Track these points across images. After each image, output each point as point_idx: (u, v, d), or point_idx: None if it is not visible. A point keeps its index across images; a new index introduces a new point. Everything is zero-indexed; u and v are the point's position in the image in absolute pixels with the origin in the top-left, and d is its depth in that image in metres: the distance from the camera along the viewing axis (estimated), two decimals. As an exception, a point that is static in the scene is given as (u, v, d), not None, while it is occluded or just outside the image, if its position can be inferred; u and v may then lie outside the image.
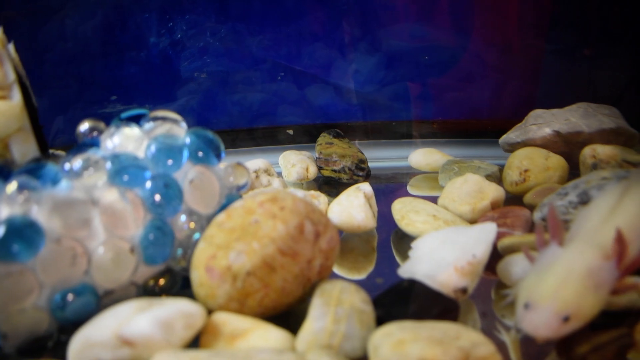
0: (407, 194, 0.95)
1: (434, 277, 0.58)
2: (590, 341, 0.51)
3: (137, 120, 0.65)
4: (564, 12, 1.09)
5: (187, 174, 0.62)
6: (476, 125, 1.13)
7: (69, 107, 1.01)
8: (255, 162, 0.87)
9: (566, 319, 0.48)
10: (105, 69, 1.04)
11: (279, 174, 0.98)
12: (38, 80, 1.01)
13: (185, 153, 0.61)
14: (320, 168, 0.96)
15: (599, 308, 0.51)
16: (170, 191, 0.59)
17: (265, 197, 0.57)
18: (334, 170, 0.95)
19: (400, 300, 0.56)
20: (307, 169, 0.95)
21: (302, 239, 0.56)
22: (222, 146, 0.65)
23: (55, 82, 1.02)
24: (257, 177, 0.84)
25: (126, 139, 0.61)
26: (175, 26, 1.05)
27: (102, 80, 1.04)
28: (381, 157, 1.12)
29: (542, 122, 0.91)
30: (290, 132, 1.12)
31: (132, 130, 0.62)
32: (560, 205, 0.70)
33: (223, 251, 0.54)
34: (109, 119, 0.65)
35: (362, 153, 0.99)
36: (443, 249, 0.62)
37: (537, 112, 0.95)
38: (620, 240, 0.52)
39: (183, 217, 0.60)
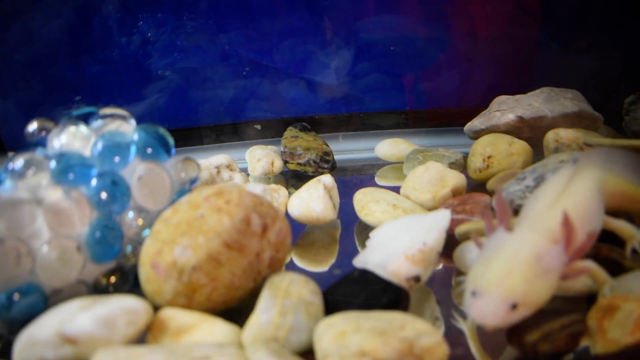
0: (375, 185, 0.95)
1: (385, 266, 0.58)
2: (541, 328, 0.50)
3: (87, 118, 0.65)
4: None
5: (135, 170, 0.61)
6: (444, 114, 1.13)
7: (34, 108, 1.00)
8: (217, 157, 0.86)
9: (514, 307, 0.47)
10: (70, 70, 1.03)
11: (245, 169, 0.97)
12: (2, 82, 1.01)
13: (133, 149, 0.61)
14: (286, 162, 0.96)
15: (549, 294, 0.50)
16: (118, 188, 0.59)
17: (210, 191, 0.57)
18: (299, 164, 0.95)
19: (351, 290, 0.56)
20: (272, 163, 0.94)
21: (249, 232, 0.55)
22: (172, 142, 0.64)
23: (19, 84, 1.02)
24: (218, 172, 0.84)
25: (73, 138, 0.61)
26: (140, 25, 1.05)
27: (67, 81, 1.03)
28: (349, 149, 1.11)
29: (506, 108, 0.91)
30: (258, 127, 1.12)
31: (79, 129, 0.61)
32: (518, 190, 0.69)
33: (169, 246, 0.54)
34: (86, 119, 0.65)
35: (327, 145, 0.98)
36: (397, 238, 0.62)
37: (501, 99, 0.94)
38: (566, 223, 0.51)
39: (131, 214, 0.60)
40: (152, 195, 0.62)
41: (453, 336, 0.56)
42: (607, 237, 0.62)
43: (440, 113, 1.13)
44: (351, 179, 0.99)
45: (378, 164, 1.04)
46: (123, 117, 0.63)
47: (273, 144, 1.03)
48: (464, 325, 0.56)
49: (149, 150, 0.62)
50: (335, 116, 1.13)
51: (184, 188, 0.65)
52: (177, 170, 0.64)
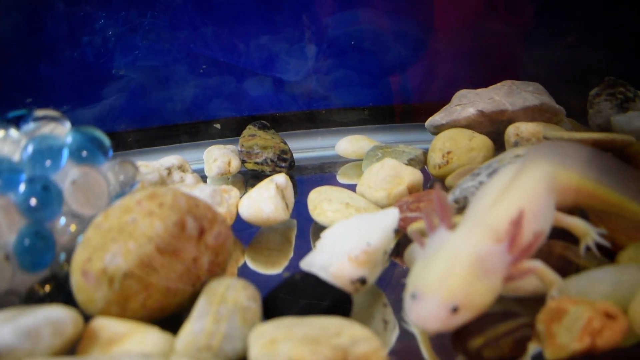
0: (337, 183, 0.93)
1: (328, 268, 0.55)
2: (485, 334, 0.48)
3: (20, 121, 0.62)
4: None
5: (69, 174, 0.59)
6: (407, 110, 1.11)
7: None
8: (168, 158, 0.84)
9: (455, 310, 0.45)
10: (22, 71, 1.01)
11: (203, 170, 0.95)
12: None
13: (65, 153, 0.58)
14: (243, 161, 0.94)
15: (492, 296, 0.48)
16: (49, 194, 0.56)
17: (143, 194, 0.54)
18: (257, 163, 0.93)
19: (292, 295, 0.54)
20: (229, 162, 0.92)
21: (184, 236, 0.53)
22: (108, 144, 0.62)
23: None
24: (169, 174, 0.82)
25: (3, 142, 0.58)
26: (95, 24, 1.02)
27: (18, 83, 1.01)
28: (310, 147, 1.10)
29: (467, 102, 0.89)
30: (218, 126, 1.10)
31: (9, 133, 0.59)
32: (471, 186, 0.68)
33: (99, 253, 0.51)
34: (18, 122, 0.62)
35: (285, 144, 0.96)
36: (343, 238, 0.60)
37: (461, 93, 0.92)
38: (515, 222, 0.49)
39: (63, 220, 0.57)
40: (88, 200, 0.59)
41: (404, 340, 0.54)
42: (562, 235, 0.60)
43: (403, 108, 1.12)
44: (312, 177, 0.98)
45: (340, 162, 1.02)
46: (56, 119, 0.61)
47: (233, 143, 1.01)
48: (415, 329, 0.54)
49: (84, 153, 0.60)
50: (296, 113, 1.11)
51: (123, 191, 0.63)
52: (115, 173, 0.62)
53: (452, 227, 0.52)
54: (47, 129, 0.61)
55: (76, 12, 1.02)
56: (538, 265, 0.52)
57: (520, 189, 0.55)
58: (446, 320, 0.46)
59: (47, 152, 0.57)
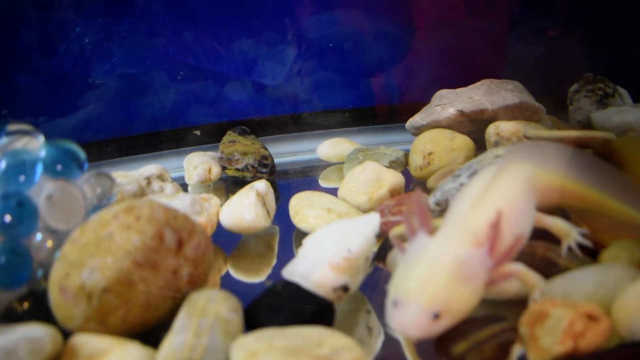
0: (319, 188, 0.93)
1: (309, 276, 0.55)
2: (469, 339, 0.48)
3: (-6, 135, 0.61)
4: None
5: (43, 189, 0.58)
6: (388, 111, 1.11)
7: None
8: (147, 167, 0.83)
9: (436, 316, 0.45)
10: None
11: (182, 178, 0.95)
12: None
13: (39, 167, 0.57)
14: (224, 168, 0.93)
15: (473, 302, 0.48)
16: (24, 210, 0.55)
17: (119, 208, 0.54)
18: (237, 169, 0.92)
19: (273, 305, 0.53)
20: (209, 170, 0.91)
21: (162, 249, 0.52)
22: (83, 157, 0.61)
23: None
24: (148, 183, 0.81)
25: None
26: (71, 32, 1.01)
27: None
28: (291, 151, 1.09)
29: (447, 102, 0.89)
30: (197, 132, 1.09)
31: (-20, 148, 0.58)
32: (452, 188, 0.67)
33: (76, 269, 0.51)
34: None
35: (266, 149, 0.96)
36: (324, 245, 0.59)
37: (441, 93, 0.92)
38: (493, 225, 0.49)
39: (39, 236, 0.56)
40: (64, 214, 0.59)
41: (388, 346, 0.54)
42: (544, 236, 0.60)
43: (384, 109, 1.12)
44: (294, 182, 0.97)
45: (322, 165, 1.01)
46: (29, 133, 0.60)
47: (214, 149, 1.00)
48: (399, 335, 0.54)
49: (59, 167, 0.59)
50: (276, 117, 1.11)
51: (101, 204, 0.62)
52: (91, 186, 0.61)
53: (432, 231, 0.52)
54: (20, 143, 0.60)
55: (51, 20, 1.00)
56: (519, 268, 0.52)
57: (499, 191, 0.55)
58: (428, 326, 0.46)
59: (20, 167, 0.57)
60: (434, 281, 0.46)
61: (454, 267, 0.47)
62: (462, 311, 0.47)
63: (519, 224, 0.54)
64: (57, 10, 1.00)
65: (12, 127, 0.60)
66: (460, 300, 0.46)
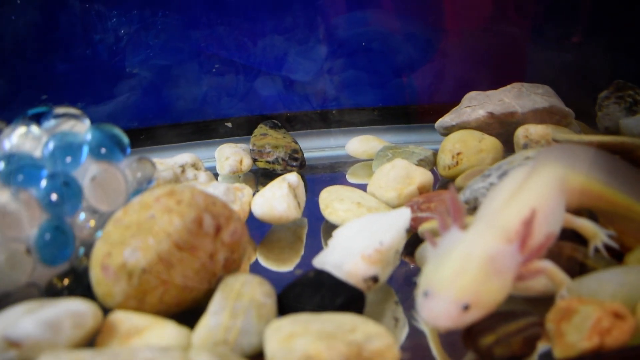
0: (346, 183, 0.94)
1: (341, 266, 0.57)
2: (496, 332, 0.49)
3: (41, 118, 0.63)
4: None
5: (88, 171, 0.60)
6: (417, 110, 1.12)
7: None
8: (181, 156, 0.85)
9: (466, 308, 0.46)
10: (38, 68, 1.02)
11: (215, 168, 0.96)
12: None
13: (85, 150, 0.60)
14: (255, 160, 0.95)
15: (502, 295, 0.49)
16: (70, 189, 0.58)
17: (162, 191, 0.55)
18: (268, 162, 0.94)
19: (306, 292, 0.55)
20: (240, 161, 0.93)
21: (201, 233, 0.54)
22: (127, 141, 0.63)
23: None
24: (182, 171, 0.83)
25: (24, 139, 0.60)
26: (109, 22, 1.03)
27: (34, 80, 1.02)
28: (320, 146, 1.10)
29: (476, 104, 0.90)
30: (229, 124, 1.11)
31: (30, 129, 0.60)
32: (482, 187, 0.69)
33: (118, 248, 0.53)
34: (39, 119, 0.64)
35: (297, 143, 0.97)
36: (355, 237, 0.61)
37: (471, 94, 0.93)
38: (526, 223, 0.50)
39: (82, 216, 0.58)
40: (106, 196, 0.61)
41: (414, 337, 0.55)
42: (572, 236, 0.61)
43: (413, 109, 1.13)
44: (322, 176, 0.99)
45: (350, 162, 1.03)
46: (76, 117, 0.62)
47: (244, 141, 1.02)
48: (425, 326, 0.55)
49: (103, 150, 0.61)
50: (306, 113, 1.12)
51: (141, 188, 0.64)
52: (133, 170, 0.63)
53: (464, 227, 0.53)
54: (67, 126, 0.62)
55: (90, 10, 1.02)
56: (548, 265, 0.53)
57: (531, 191, 0.56)
58: (457, 318, 0.47)
59: (67, 148, 0.59)
60: (465, 274, 0.47)
61: (485, 261, 0.48)
62: (491, 304, 0.48)
63: (549, 223, 0.55)
64: (96, 1, 1.02)
65: (59, 110, 0.62)
66: (490, 293, 0.48)
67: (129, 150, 0.64)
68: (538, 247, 0.51)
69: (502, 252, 0.49)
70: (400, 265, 0.66)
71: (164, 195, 0.55)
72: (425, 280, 0.49)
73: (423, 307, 0.48)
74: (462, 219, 0.53)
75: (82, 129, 0.62)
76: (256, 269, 0.70)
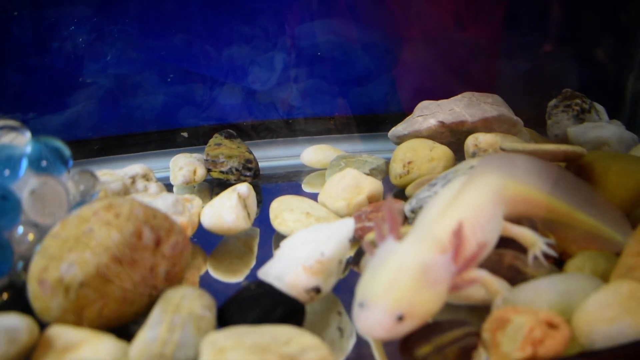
0: (302, 192, 0.94)
1: (282, 278, 0.57)
2: (432, 342, 0.49)
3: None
4: (465, 3, 1.10)
5: (28, 184, 0.59)
6: (373, 120, 1.13)
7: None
8: (132, 167, 0.85)
9: (400, 318, 0.47)
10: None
11: (168, 178, 0.96)
12: None
13: (24, 162, 0.59)
14: (209, 170, 0.95)
15: (437, 305, 0.49)
16: (7, 203, 0.57)
17: (100, 205, 0.55)
18: (222, 172, 0.94)
19: (246, 304, 0.55)
20: (194, 171, 0.93)
21: (140, 246, 0.54)
22: (68, 154, 0.63)
23: None
24: (133, 182, 0.82)
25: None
26: (63, 31, 1.02)
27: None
28: (276, 155, 1.11)
29: (428, 113, 0.91)
30: (185, 134, 1.10)
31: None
32: (427, 197, 0.69)
33: (55, 262, 0.52)
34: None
35: (251, 153, 0.97)
36: (300, 248, 0.61)
37: (423, 104, 0.94)
38: (457, 233, 0.51)
39: (21, 229, 0.58)
40: (46, 209, 0.60)
41: (360, 348, 0.55)
42: (514, 245, 0.62)
43: (369, 118, 1.13)
44: (278, 186, 0.99)
45: (305, 171, 1.03)
46: (16, 129, 0.62)
47: (201, 151, 1.02)
48: (365, 335, 0.55)
49: (44, 162, 0.60)
50: (263, 122, 1.12)
51: (83, 200, 0.63)
52: (75, 182, 0.63)
53: (400, 237, 0.53)
54: (7, 138, 0.61)
55: (45, 18, 1.02)
56: (483, 274, 0.53)
57: (467, 200, 0.57)
58: (392, 328, 0.47)
59: (6, 161, 0.58)
60: (399, 284, 0.48)
61: (419, 272, 0.48)
62: (425, 314, 0.48)
63: (484, 232, 0.55)
64: (49, 8, 1.01)
65: (-1, 123, 0.62)
66: (424, 303, 0.48)
67: (70, 162, 0.63)
68: (470, 257, 0.51)
69: (436, 262, 0.50)
70: (348, 275, 0.66)
71: (102, 209, 0.55)
72: (360, 291, 0.50)
73: (358, 318, 0.48)
74: (398, 229, 0.53)
75: (22, 141, 0.61)
76: (206, 279, 0.69)
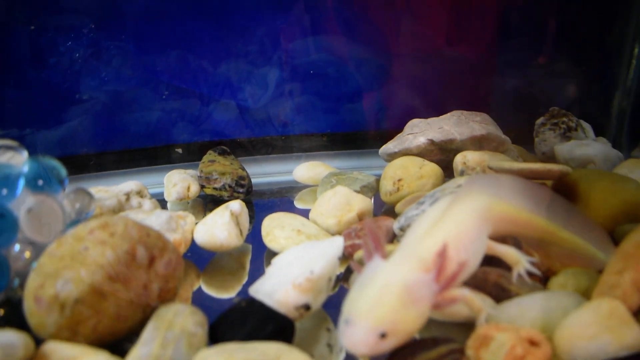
0: (294, 209, 0.95)
1: (273, 295, 0.58)
2: (417, 358, 0.50)
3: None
4: (456, 22, 1.11)
5: (25, 202, 0.61)
6: (364, 137, 1.15)
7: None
8: (126, 184, 0.86)
9: (383, 335, 0.48)
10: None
11: (162, 194, 0.97)
12: None
13: (22, 181, 0.60)
14: (202, 186, 0.96)
15: (419, 323, 0.50)
16: (5, 221, 0.58)
17: (95, 224, 0.56)
18: (215, 188, 0.95)
19: (237, 320, 0.56)
20: (188, 187, 0.94)
21: (134, 265, 0.55)
22: (64, 173, 0.64)
23: None
24: (127, 199, 0.83)
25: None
26: (59, 48, 1.04)
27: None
28: (269, 172, 1.12)
29: (418, 131, 0.93)
30: (179, 150, 1.12)
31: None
32: (415, 215, 0.71)
33: (51, 280, 0.53)
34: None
35: (244, 169, 0.99)
36: (290, 265, 0.62)
37: (414, 122, 0.96)
38: (441, 253, 0.52)
39: (17, 247, 0.59)
40: (43, 227, 0.61)
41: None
42: (499, 263, 0.63)
43: (361, 135, 1.15)
44: (270, 202, 1.00)
45: (297, 187, 1.04)
46: (14, 148, 0.63)
47: (194, 167, 1.03)
48: (349, 351, 0.56)
49: (40, 182, 0.62)
50: (256, 139, 1.14)
51: (79, 218, 0.65)
52: (70, 201, 0.64)
53: (385, 255, 0.55)
54: (4, 157, 0.63)
55: (41, 34, 1.03)
56: (465, 293, 0.55)
57: (451, 220, 0.58)
58: (374, 345, 0.48)
59: (3, 180, 0.59)
60: (382, 303, 0.49)
61: (402, 291, 0.50)
62: (407, 332, 0.50)
63: (467, 252, 0.57)
64: (46, 23, 1.03)
65: (-5, 142, 0.63)
66: (406, 321, 0.49)
67: (66, 181, 0.64)
68: (452, 276, 0.53)
69: (419, 281, 0.51)
70: (338, 291, 0.68)
71: (97, 228, 0.56)
72: (346, 308, 0.51)
73: (343, 334, 0.49)
74: (383, 247, 0.55)
75: (19, 160, 0.63)
76: (199, 296, 0.70)
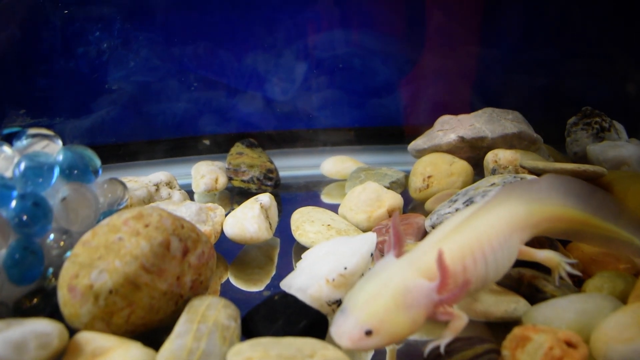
0: (320, 203, 0.95)
1: (306, 290, 0.58)
2: (454, 357, 0.50)
3: (13, 138, 0.64)
4: (484, 18, 1.10)
5: (59, 191, 0.61)
6: (393, 132, 1.14)
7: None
8: (156, 174, 0.86)
9: (368, 333, 0.47)
10: (16, 83, 1.02)
11: (189, 185, 0.97)
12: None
13: (56, 170, 0.60)
14: (230, 178, 0.96)
15: (409, 329, 0.49)
16: (40, 210, 0.58)
17: (130, 214, 0.56)
18: (243, 181, 0.95)
19: (270, 314, 0.56)
20: (216, 179, 0.94)
21: (168, 256, 0.55)
22: (98, 163, 0.64)
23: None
24: (157, 190, 0.83)
25: (-4, 158, 0.61)
26: (89, 38, 1.04)
27: (12, 95, 1.02)
28: (296, 165, 1.12)
29: (448, 128, 0.92)
30: (207, 142, 1.12)
31: (2, 149, 0.61)
32: (447, 213, 0.70)
33: (86, 270, 0.53)
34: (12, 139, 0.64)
35: (272, 162, 0.99)
36: (322, 260, 0.62)
37: (444, 118, 0.95)
38: (440, 263, 0.50)
39: (52, 236, 0.59)
40: (77, 217, 0.61)
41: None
42: (534, 264, 0.63)
43: (389, 130, 1.14)
44: (297, 196, 1.00)
45: (324, 182, 1.04)
46: (49, 137, 0.63)
47: (222, 159, 1.03)
48: (386, 348, 0.56)
49: (74, 171, 0.62)
50: (284, 132, 1.14)
51: (112, 209, 0.65)
52: (104, 191, 0.64)
53: (400, 254, 0.54)
54: (40, 146, 0.63)
55: (71, 24, 1.03)
56: (464, 319, 0.52)
57: (471, 230, 0.56)
58: (358, 340, 0.47)
59: (38, 169, 0.60)
60: (376, 300, 0.48)
61: (399, 292, 0.49)
62: (393, 334, 0.49)
63: (484, 262, 0.55)
64: (77, 15, 1.03)
65: (32, 130, 0.63)
66: (395, 324, 0.48)
67: (100, 171, 0.65)
68: (454, 294, 0.51)
69: (419, 287, 0.50)
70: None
71: (131, 218, 0.56)
72: (347, 298, 0.50)
73: (334, 323, 0.49)
74: (400, 246, 0.53)
75: (54, 149, 0.63)
76: (227, 288, 0.70)
